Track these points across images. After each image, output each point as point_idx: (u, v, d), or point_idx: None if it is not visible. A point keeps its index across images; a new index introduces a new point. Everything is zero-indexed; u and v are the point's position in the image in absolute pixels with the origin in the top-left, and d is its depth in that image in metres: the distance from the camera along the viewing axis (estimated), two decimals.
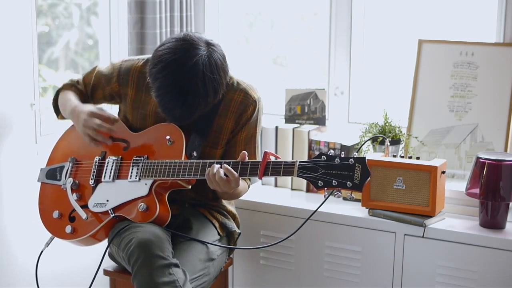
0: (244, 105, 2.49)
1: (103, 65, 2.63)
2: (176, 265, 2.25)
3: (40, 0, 3.22)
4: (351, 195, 2.22)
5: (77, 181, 2.51)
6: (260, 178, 2.26)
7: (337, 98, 3.24)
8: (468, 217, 2.77)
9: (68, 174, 2.54)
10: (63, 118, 2.66)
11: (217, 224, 2.55)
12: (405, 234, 2.69)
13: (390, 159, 2.75)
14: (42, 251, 2.56)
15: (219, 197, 2.57)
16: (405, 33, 3.20)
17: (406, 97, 3.01)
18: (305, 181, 2.92)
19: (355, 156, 2.16)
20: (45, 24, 3.32)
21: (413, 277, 2.69)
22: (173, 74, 2.23)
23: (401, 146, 2.92)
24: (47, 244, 2.55)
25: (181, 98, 2.24)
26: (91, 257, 2.72)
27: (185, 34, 2.31)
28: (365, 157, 2.16)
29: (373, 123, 2.96)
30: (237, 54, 3.55)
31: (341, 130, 3.19)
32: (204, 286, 2.39)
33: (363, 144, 2.83)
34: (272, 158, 2.26)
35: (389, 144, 2.82)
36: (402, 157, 2.75)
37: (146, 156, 2.43)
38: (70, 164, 2.55)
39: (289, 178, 3.09)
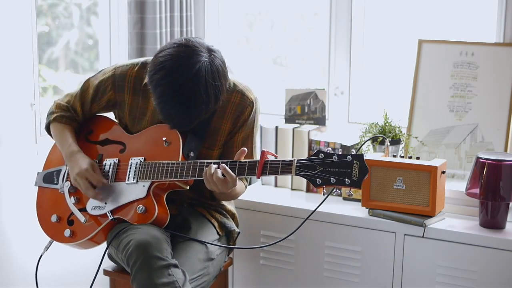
0: (241, 106, 2.48)
1: (93, 77, 2.56)
2: (175, 266, 2.25)
3: (40, 0, 3.22)
4: (350, 191, 2.23)
5: None
6: (258, 177, 2.26)
7: (337, 98, 3.24)
8: (468, 217, 2.77)
9: (65, 177, 2.53)
10: None
11: (216, 224, 2.55)
12: (405, 234, 2.68)
13: (390, 159, 2.75)
14: (41, 255, 2.55)
15: (216, 198, 2.57)
16: (405, 33, 3.19)
17: (406, 97, 3.01)
18: (305, 181, 2.92)
19: (352, 153, 2.16)
20: (45, 24, 3.32)
21: (413, 277, 2.69)
22: (176, 82, 2.21)
23: (401, 146, 2.92)
24: (46, 248, 2.54)
25: (184, 106, 2.23)
26: (91, 258, 2.72)
27: (186, 39, 2.29)
28: (363, 154, 2.16)
29: (373, 123, 2.96)
30: (237, 54, 3.55)
31: (341, 130, 3.18)
32: (204, 286, 2.39)
33: (363, 144, 2.83)
34: (270, 157, 2.26)
35: (389, 144, 2.82)
36: (402, 157, 2.75)
37: (143, 157, 2.43)
38: (67, 168, 2.53)
39: (289, 178, 3.09)
